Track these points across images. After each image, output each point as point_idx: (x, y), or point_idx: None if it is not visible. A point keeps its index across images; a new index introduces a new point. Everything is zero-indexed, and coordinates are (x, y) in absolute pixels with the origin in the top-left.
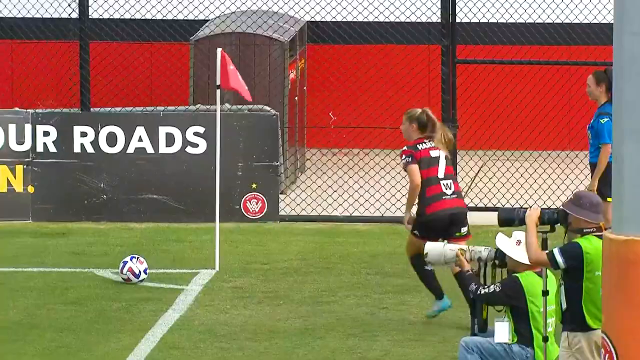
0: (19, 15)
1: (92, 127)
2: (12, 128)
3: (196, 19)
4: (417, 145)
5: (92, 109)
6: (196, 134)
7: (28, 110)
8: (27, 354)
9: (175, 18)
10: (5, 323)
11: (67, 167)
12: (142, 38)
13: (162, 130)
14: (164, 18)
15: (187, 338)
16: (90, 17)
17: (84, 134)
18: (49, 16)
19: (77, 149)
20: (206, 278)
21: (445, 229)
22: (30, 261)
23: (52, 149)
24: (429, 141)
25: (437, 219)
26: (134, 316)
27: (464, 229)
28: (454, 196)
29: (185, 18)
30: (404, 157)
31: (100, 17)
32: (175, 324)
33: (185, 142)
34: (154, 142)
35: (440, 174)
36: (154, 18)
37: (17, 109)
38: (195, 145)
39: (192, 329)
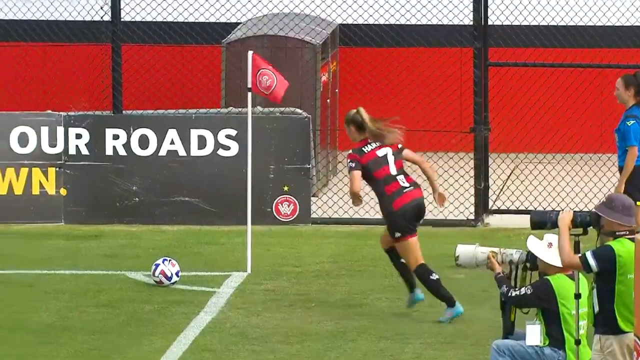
0: (52, 18)
1: (124, 130)
2: (44, 131)
3: (228, 21)
4: (362, 148)
5: (124, 112)
6: (228, 136)
7: (60, 112)
8: (59, 356)
9: (207, 21)
10: (38, 325)
11: (100, 169)
12: (174, 41)
13: (194, 133)
14: (196, 21)
15: (219, 341)
16: (122, 19)
17: (116, 137)
18: (81, 19)
19: (109, 151)
20: (238, 281)
21: (415, 218)
22: (63, 264)
23: (85, 151)
24: (374, 141)
25: (408, 210)
26: (166, 319)
27: (421, 220)
28: (412, 187)
29: (217, 21)
30: (348, 161)
31: (133, 19)
32: (207, 327)
33: (217, 145)
34: (186, 145)
35: (393, 171)
36: (186, 21)
37: (49, 111)
38: (227, 148)
39: (224, 331)
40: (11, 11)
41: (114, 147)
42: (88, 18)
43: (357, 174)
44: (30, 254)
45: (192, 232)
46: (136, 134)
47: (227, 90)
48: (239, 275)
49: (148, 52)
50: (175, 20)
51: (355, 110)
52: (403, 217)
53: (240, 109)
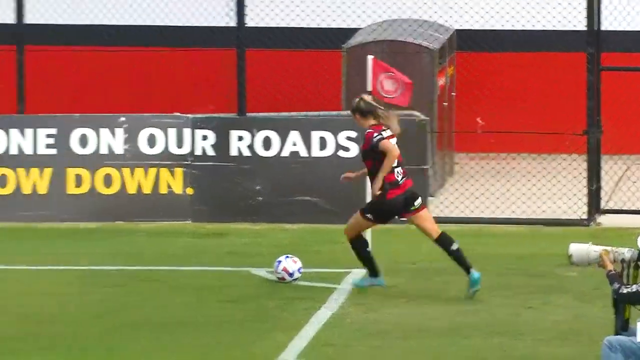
0: (179, 24)
1: (248, 132)
2: (172, 132)
3: (348, 27)
4: (383, 132)
5: (248, 114)
6: (348, 138)
7: (187, 115)
8: (185, 350)
9: (328, 26)
10: (164, 319)
11: (225, 170)
12: (297, 46)
13: (316, 135)
14: (318, 26)
15: (339, 336)
16: (246, 25)
17: (240, 138)
18: (207, 25)
19: (234, 152)
20: (358, 278)
21: (400, 211)
22: (189, 260)
23: (210, 152)
24: (385, 130)
25: (394, 204)
26: (288, 314)
27: (417, 202)
28: (404, 179)
29: (338, 27)
30: (375, 134)
31: (257, 25)
32: (327, 322)
33: (338, 146)
34: (308, 146)
35: (395, 163)
36: (308, 26)
37: (177, 114)
38: (347, 149)
39: (343, 326)
40: (140, 17)
41: (239, 148)
42: (214, 24)
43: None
44: (158, 251)
45: (313, 231)
46: (260, 136)
47: (347, 93)
48: (359, 272)
49: (271, 57)
50: (298, 26)
51: (358, 98)
52: (388, 208)
53: None
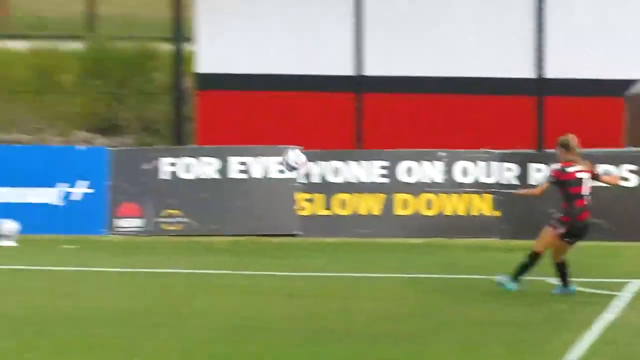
0: (477, 75)
1: (545, 165)
2: (482, 165)
3: (628, 79)
4: (566, 168)
5: (545, 150)
6: (630, 170)
7: (495, 150)
8: (489, 346)
9: (609, 78)
10: (475, 319)
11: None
12: (584, 93)
13: (600, 167)
14: (598, 78)
15: (620, 335)
16: (545, 77)
17: (538, 170)
18: (508, 76)
19: (532, 181)
20: (637, 287)
21: (584, 233)
22: (496, 271)
23: (513, 181)
24: (576, 164)
25: (584, 226)
26: (576, 316)
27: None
28: (587, 207)
29: (619, 78)
30: (550, 174)
31: (556, 77)
32: (610, 324)
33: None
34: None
35: (585, 192)
36: (594, 78)
37: (485, 149)
38: (627, 179)
39: (624, 328)
40: (458, 69)
41: (537, 178)
42: (516, 76)
43: (547, 185)
44: (470, 263)
45: (595, 246)
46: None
47: (628, 134)
48: (638, 283)
49: (564, 103)
50: (585, 78)
51: (564, 136)
52: (579, 229)
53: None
